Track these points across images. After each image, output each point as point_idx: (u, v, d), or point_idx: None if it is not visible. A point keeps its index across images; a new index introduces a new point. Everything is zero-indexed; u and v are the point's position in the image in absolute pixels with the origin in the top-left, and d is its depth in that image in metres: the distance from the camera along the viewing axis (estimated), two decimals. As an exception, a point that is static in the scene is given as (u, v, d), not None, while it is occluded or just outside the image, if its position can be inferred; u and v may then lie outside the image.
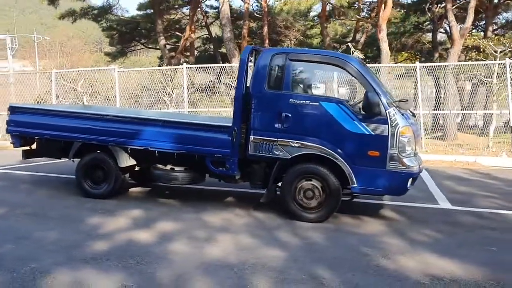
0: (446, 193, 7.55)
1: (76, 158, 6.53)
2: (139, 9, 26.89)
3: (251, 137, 5.66)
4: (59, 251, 4.27)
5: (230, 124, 5.74)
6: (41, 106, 7.57)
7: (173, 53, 24.66)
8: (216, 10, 28.44)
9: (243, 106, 5.73)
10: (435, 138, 13.92)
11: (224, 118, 7.83)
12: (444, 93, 14.75)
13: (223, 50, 24.80)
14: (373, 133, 5.28)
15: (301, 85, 5.78)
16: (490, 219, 5.94)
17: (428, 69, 13.44)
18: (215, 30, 30.81)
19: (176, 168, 6.16)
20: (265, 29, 23.94)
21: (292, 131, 5.52)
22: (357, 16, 20.98)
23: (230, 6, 28.19)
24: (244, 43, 22.83)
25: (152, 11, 24.88)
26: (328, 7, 23.40)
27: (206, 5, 29.66)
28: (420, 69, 12.49)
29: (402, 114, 5.37)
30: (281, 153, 5.55)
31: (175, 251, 4.38)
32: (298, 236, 5.01)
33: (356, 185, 5.36)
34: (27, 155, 6.91)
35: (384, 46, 16.59)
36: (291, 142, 5.51)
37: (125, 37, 29.13)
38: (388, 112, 5.24)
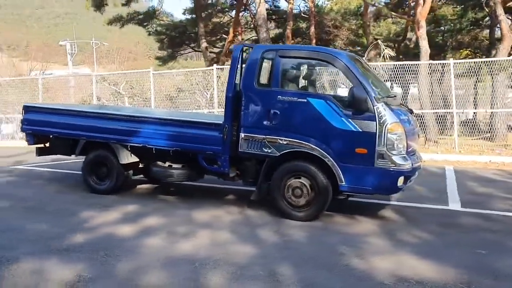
0: (463, 194, 7.18)
1: (82, 155, 6.79)
2: (184, 13, 27.50)
3: (242, 135, 5.65)
4: (37, 242, 4.47)
5: (222, 122, 5.76)
6: (50, 105, 7.94)
7: (214, 56, 25.03)
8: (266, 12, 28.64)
9: (234, 103, 5.73)
10: (485, 139, 13.27)
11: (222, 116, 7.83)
12: (492, 91, 14.04)
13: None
14: (361, 130, 5.12)
15: (290, 82, 5.70)
16: (497, 221, 5.59)
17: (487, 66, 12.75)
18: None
19: (174, 165, 6.27)
20: (312, 29, 23.71)
21: (280, 128, 5.46)
22: (393, 13, 20.31)
23: (278, 7, 28.38)
24: (288, 43, 22.82)
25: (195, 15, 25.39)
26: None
27: (254, 7, 29.95)
28: (454, 66, 11.94)
29: (392, 111, 5.17)
30: (269, 151, 5.51)
31: (148, 245, 4.46)
32: (279, 234, 4.95)
33: (344, 183, 5.22)
34: (40, 152, 7.28)
35: (424, 43, 15.95)
36: (279, 139, 5.45)
37: (175, 41, 29.87)
38: (376, 108, 5.07)
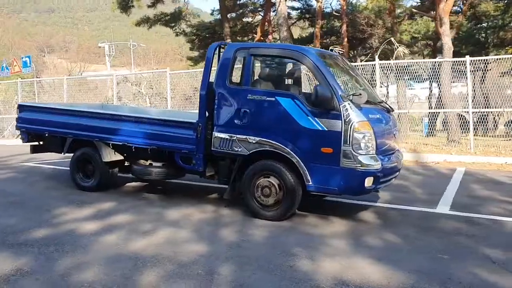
0: (459, 196, 6.87)
1: (69, 153, 6.95)
2: (212, 13, 27.72)
3: (214, 133, 5.62)
4: (-4, 235, 4.60)
5: (195, 121, 5.75)
6: (41, 104, 8.16)
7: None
8: (299, 11, 28.57)
9: (208, 102, 5.70)
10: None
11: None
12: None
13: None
14: (326, 129, 4.98)
15: (261, 80, 5.61)
16: (479, 226, 5.31)
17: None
18: (296, 31, 30.84)
19: (154, 164, 6.31)
20: (344, 27, 23.36)
21: (250, 127, 5.39)
22: (414, 10, 19.72)
23: (311, 6, 28.12)
24: (317, 42, 22.59)
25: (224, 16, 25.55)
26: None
27: (288, 6, 29.81)
28: (470, 64, 11.46)
29: (361, 109, 4.99)
30: (240, 150, 5.45)
31: (102, 242, 4.50)
32: (241, 233, 4.88)
33: (311, 183, 5.09)
34: (34, 149, 7.50)
35: (446, 40, 15.41)
36: (249, 138, 5.38)
37: (205, 41, 30.19)
38: (342, 106, 4.91)
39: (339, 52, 14.27)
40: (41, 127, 7.07)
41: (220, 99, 5.60)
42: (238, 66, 5.82)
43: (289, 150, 5.14)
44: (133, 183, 7.51)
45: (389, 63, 12.24)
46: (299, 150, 5.11)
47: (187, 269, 3.81)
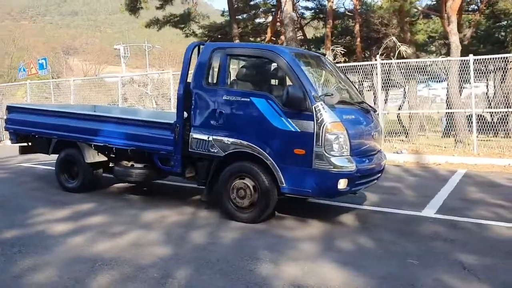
0: (450, 199, 6.67)
1: (54, 154, 6.96)
2: (222, 15, 27.72)
3: (191, 134, 5.55)
4: (-36, 236, 4.60)
5: (173, 121, 5.69)
6: (28, 105, 8.23)
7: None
8: (312, 11, 28.39)
9: (185, 102, 5.64)
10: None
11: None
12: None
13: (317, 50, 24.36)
14: (299, 130, 4.87)
15: (237, 81, 5.53)
16: (461, 230, 5.13)
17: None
18: (311, 31, 30.67)
19: (136, 165, 6.26)
20: (357, 27, 23.08)
21: (225, 128, 5.31)
22: (418, 8, 19.36)
23: (324, 5, 27.91)
24: (328, 42, 22.39)
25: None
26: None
27: (301, 6, 29.69)
28: (474, 63, 11.18)
29: (334, 110, 4.87)
30: (216, 151, 5.37)
31: (67, 244, 4.47)
32: (211, 236, 4.80)
33: (285, 185, 4.99)
34: (23, 150, 7.54)
35: (454, 39, 15.07)
36: (224, 139, 5.30)
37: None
38: (315, 107, 4.80)
39: (340, 53, 14.14)
40: (27, 128, 7.11)
41: (196, 99, 5.53)
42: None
43: (263, 152, 5.05)
44: (119, 184, 7.46)
45: (391, 63, 12.01)
46: (273, 151, 5.01)
47: (143, 273, 3.74)
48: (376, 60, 12.11)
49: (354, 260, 4.12)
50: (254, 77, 5.46)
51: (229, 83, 5.47)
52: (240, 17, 29.05)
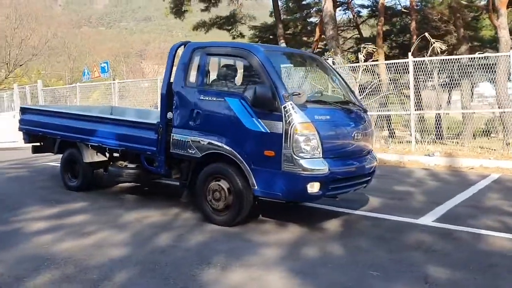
0: (460, 206, 6.18)
1: (59, 153, 7.18)
2: (270, 15, 27.67)
3: (172, 135, 5.50)
4: None
5: (156, 122, 5.67)
6: (37, 107, 8.50)
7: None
8: (369, 9, 27.77)
9: (168, 103, 5.60)
10: None
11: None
12: None
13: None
14: (269, 131, 4.67)
15: (216, 80, 5.40)
16: (453, 240, 4.71)
17: None
18: (367, 30, 29.96)
19: (129, 166, 6.31)
20: (413, 24, 22.23)
21: (202, 128, 5.21)
22: (463, 2, 18.15)
23: (382, 3, 27.14)
24: (379, 40, 21.71)
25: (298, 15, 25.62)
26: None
27: (357, 4, 29.08)
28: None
29: (305, 110, 4.61)
30: (193, 152, 5.28)
31: (33, 241, 4.55)
32: (178, 238, 4.70)
33: (256, 187, 4.80)
34: (35, 150, 7.84)
35: (503, 33, 14.07)
36: (201, 140, 5.20)
37: (270, 43, 30.18)
38: (284, 107, 4.58)
39: (373, 51, 13.57)
40: (36, 128, 7.39)
41: (177, 100, 5.48)
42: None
43: (235, 153, 4.89)
44: (123, 184, 7.50)
45: (424, 60, 11.36)
46: (244, 153, 4.84)
47: (84, 274, 3.71)
48: (419, 57, 11.49)
49: (310, 269, 3.88)
50: (230, 76, 5.32)
51: (207, 83, 5.37)
52: (291, 17, 28.97)
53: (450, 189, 7.56)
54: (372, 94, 12.72)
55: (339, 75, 5.94)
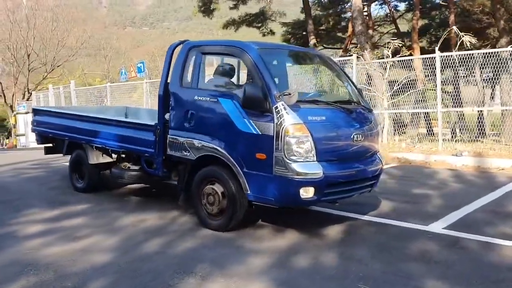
0: (476, 212, 5.77)
1: (67, 154, 7.20)
2: (302, 11, 27.32)
3: (168, 136, 5.37)
4: None
5: (154, 123, 5.55)
6: (48, 108, 8.54)
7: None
8: (407, 3, 27.05)
9: (165, 103, 5.47)
10: None
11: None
12: None
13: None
14: (260, 133, 4.45)
15: (213, 80, 5.21)
16: (461, 250, 4.37)
17: None
18: (404, 24, 29.17)
19: (132, 167, 6.22)
20: (452, 17, 21.41)
21: (196, 130, 5.05)
22: None
23: None
24: (415, 35, 21.02)
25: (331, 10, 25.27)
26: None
27: None
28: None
29: (298, 110, 4.36)
30: (188, 154, 5.13)
31: (21, 245, 4.52)
32: (168, 244, 4.54)
33: (249, 192, 4.59)
34: (47, 151, 7.90)
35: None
36: (195, 142, 5.04)
37: (303, 39, 29.78)
38: (275, 107, 4.34)
39: (399, 46, 13.04)
40: (47, 129, 7.45)
41: (173, 100, 5.34)
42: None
43: (228, 156, 4.70)
44: (132, 186, 7.44)
45: (451, 55, 10.79)
46: (237, 155, 4.64)
47: (60, 281, 3.62)
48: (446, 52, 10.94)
49: (295, 280, 3.65)
50: (224, 76, 5.13)
51: (203, 82, 5.19)
52: (323, 12, 28.51)
53: (473, 192, 7.10)
54: (403, 91, 12.18)
55: (344, 73, 5.64)
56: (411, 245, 4.49)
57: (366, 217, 5.55)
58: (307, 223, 5.28)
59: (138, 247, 4.45)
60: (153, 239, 4.70)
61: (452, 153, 10.43)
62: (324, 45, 31.08)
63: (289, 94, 4.26)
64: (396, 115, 12.69)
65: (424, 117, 13.14)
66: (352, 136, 4.70)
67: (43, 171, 9.48)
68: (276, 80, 4.70)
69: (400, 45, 12.82)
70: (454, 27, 11.97)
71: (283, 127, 4.28)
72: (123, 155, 6.48)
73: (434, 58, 10.89)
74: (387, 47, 12.32)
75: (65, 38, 33.86)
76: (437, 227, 5.09)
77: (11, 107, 33.24)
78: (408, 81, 12.36)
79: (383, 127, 12.73)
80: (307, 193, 4.34)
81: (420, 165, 10.10)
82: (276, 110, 4.33)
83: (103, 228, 5.13)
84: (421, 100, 12.72)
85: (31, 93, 29.64)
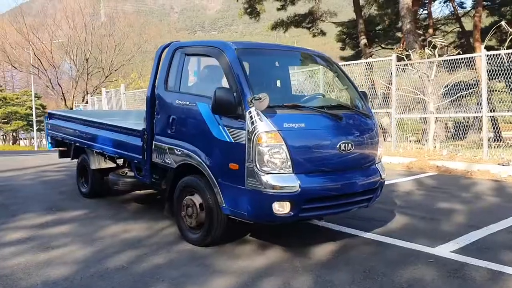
0: (500, 233, 5.06)
1: (75, 158, 7.14)
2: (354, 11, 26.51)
3: (154, 142, 5.10)
4: None
5: (142, 128, 5.30)
6: (60, 112, 8.50)
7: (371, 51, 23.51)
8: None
9: (153, 108, 5.20)
10: None
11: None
12: None
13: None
14: (233, 141, 4.06)
15: (197, 83, 4.89)
16: (461, 279, 3.76)
17: None
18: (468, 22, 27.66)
19: (129, 174, 6.03)
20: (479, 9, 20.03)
21: (176, 136, 4.74)
22: None
23: None
24: (477, 33, 19.76)
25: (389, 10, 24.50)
26: None
27: None
28: None
29: (273, 116, 3.93)
30: (169, 162, 4.83)
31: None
32: (138, 259, 4.24)
33: (224, 205, 4.20)
34: (61, 155, 7.89)
35: None
36: (175, 148, 4.73)
37: (356, 40, 28.90)
38: (248, 112, 3.93)
39: (441, 44, 12.05)
40: (57, 132, 7.45)
41: (158, 104, 5.07)
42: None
43: (204, 164, 4.34)
44: (139, 192, 7.24)
45: (499, 54, 9.78)
46: (212, 164, 4.27)
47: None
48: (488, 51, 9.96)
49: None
50: (205, 78, 4.78)
51: (185, 85, 4.87)
52: (379, 12, 27.58)
53: (509, 208, 6.30)
54: (453, 94, 11.22)
55: (345, 74, 5.10)
56: (403, 272, 3.92)
57: (367, 235, 4.98)
58: (297, 239, 4.82)
59: (105, 261, 4.19)
60: (125, 252, 4.43)
61: (499, 162, 9.45)
62: (382, 45, 30.06)
63: (260, 98, 3.83)
64: (453, 120, 11.76)
65: (491, 120, 12.05)
66: (338, 145, 4.18)
67: (63, 175, 9.55)
68: (273, 84, 4.28)
69: (444, 44, 11.83)
70: (503, 23, 10.85)
71: (255, 135, 3.86)
72: (123, 161, 6.31)
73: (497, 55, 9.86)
74: (428, 47, 11.41)
75: (122, 43, 34.95)
76: (445, 250, 4.46)
77: (71, 109, 34.83)
78: (457, 82, 11.41)
79: (427, 133, 11.86)
80: (283, 208, 3.89)
81: (461, 175, 9.24)
82: (249, 116, 3.92)
83: (82, 237, 4.93)
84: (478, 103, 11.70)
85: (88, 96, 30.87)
